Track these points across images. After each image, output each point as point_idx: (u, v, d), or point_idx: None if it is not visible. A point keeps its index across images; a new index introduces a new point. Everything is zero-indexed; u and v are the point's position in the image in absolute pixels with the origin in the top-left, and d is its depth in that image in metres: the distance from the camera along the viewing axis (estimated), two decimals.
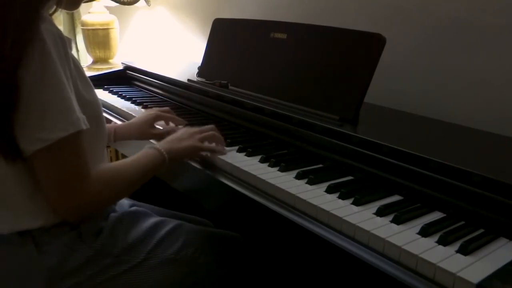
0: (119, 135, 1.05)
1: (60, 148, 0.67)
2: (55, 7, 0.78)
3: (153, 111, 1.11)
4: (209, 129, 0.95)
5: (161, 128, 1.10)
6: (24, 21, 0.63)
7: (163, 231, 0.88)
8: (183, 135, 0.92)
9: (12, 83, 0.62)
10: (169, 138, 0.91)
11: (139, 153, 0.85)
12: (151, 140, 1.06)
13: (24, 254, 0.73)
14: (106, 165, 0.80)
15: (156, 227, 0.88)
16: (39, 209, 0.73)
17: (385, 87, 1.17)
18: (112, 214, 0.85)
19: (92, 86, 0.82)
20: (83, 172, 0.71)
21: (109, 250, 0.79)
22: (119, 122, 1.25)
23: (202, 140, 0.92)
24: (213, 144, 0.94)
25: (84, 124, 0.70)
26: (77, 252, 0.76)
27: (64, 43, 0.69)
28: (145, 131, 1.07)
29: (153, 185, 0.96)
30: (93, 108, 0.79)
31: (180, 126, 1.10)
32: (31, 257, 0.73)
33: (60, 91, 0.66)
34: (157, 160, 0.84)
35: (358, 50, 0.98)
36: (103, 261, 0.78)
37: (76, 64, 0.76)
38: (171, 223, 0.91)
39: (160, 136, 1.06)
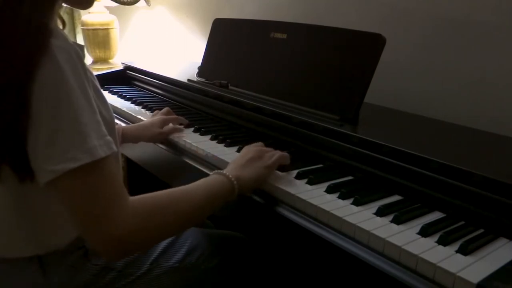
0: (127, 137, 1.05)
1: (77, 178, 0.58)
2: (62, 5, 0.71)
3: (158, 116, 1.13)
4: (271, 150, 0.86)
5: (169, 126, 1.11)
6: (31, 38, 0.57)
7: (167, 239, 0.87)
8: (249, 155, 0.81)
9: (21, 99, 0.56)
10: (236, 162, 0.80)
11: (203, 180, 0.73)
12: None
13: (29, 275, 0.71)
14: (151, 193, 0.66)
15: None
16: (47, 234, 0.71)
17: (385, 87, 1.17)
18: None
19: (108, 103, 0.74)
20: (116, 202, 0.60)
21: (113, 265, 0.78)
22: (119, 122, 1.25)
23: (271, 163, 0.81)
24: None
25: (106, 149, 0.60)
26: (82, 271, 0.75)
27: (81, 59, 0.62)
28: (153, 133, 1.07)
29: (154, 186, 0.96)
30: (110, 127, 0.70)
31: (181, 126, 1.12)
32: (36, 279, 0.71)
33: (73, 114, 0.58)
34: (225, 189, 0.72)
35: (358, 50, 0.98)
36: (107, 276, 0.77)
37: (93, 81, 0.70)
38: None
39: (167, 134, 1.08)
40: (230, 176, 0.74)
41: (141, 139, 1.07)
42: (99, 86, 0.73)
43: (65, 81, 0.58)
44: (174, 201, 0.66)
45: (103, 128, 0.62)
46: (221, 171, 0.75)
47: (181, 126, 1.12)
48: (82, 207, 0.59)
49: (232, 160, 0.83)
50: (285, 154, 0.85)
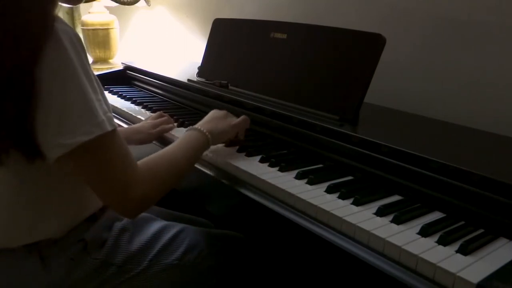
0: None
1: (90, 152, 0.63)
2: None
3: (148, 120, 1.13)
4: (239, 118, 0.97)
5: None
6: (37, 21, 0.60)
7: (167, 237, 0.87)
8: (216, 114, 0.93)
9: (29, 81, 0.59)
10: (206, 119, 0.91)
11: (181, 138, 0.84)
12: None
13: (29, 267, 0.72)
14: (148, 157, 0.76)
15: (159, 233, 0.87)
16: (47, 221, 0.72)
17: (385, 87, 1.17)
18: (117, 223, 0.84)
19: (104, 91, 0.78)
20: (128, 168, 0.67)
21: (113, 260, 0.79)
22: (119, 122, 1.25)
23: (236, 123, 0.93)
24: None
25: (109, 125, 0.65)
26: (82, 265, 0.75)
27: (81, 42, 0.65)
28: (143, 135, 1.07)
29: None
30: None
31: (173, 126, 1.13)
32: (36, 271, 0.72)
33: (79, 92, 0.62)
34: (200, 141, 0.84)
35: (358, 50, 0.98)
36: (107, 271, 0.77)
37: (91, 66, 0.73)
38: (175, 228, 0.90)
39: (157, 135, 1.08)
40: (204, 130, 0.85)
41: (131, 143, 1.07)
42: (94, 74, 0.76)
43: (70, 61, 0.61)
44: (169, 158, 0.77)
45: (105, 106, 0.67)
46: (195, 126, 0.87)
47: (172, 125, 1.12)
48: (100, 177, 0.66)
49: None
50: (247, 118, 0.97)
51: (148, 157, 0.75)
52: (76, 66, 0.62)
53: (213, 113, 0.94)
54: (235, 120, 0.94)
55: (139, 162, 0.71)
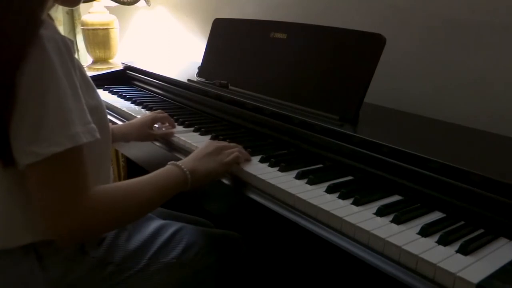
0: (117, 137, 1.05)
1: (55, 164, 0.61)
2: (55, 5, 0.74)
3: (150, 114, 1.12)
4: (234, 146, 0.88)
5: (160, 129, 1.11)
6: (22, 26, 0.59)
7: (165, 235, 0.87)
8: (208, 149, 0.83)
9: (8, 85, 0.59)
10: (194, 154, 0.82)
11: (159, 171, 0.75)
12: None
13: (26, 267, 0.72)
14: (115, 184, 0.72)
15: (158, 231, 0.87)
16: (41, 221, 0.71)
17: (385, 87, 1.17)
18: None
19: (96, 90, 0.77)
20: (81, 191, 0.63)
21: (111, 259, 0.79)
22: (119, 122, 1.25)
23: (229, 160, 0.83)
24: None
25: (89, 136, 0.64)
26: (80, 264, 0.75)
27: (69, 49, 0.65)
28: (143, 132, 1.07)
29: None
30: (98, 114, 0.74)
31: (175, 129, 1.12)
32: (33, 271, 0.72)
33: (59, 101, 0.61)
34: (178, 180, 0.75)
35: (358, 50, 0.98)
36: (105, 270, 0.77)
37: (80, 69, 0.72)
38: (173, 227, 0.90)
39: (157, 137, 1.08)
40: (185, 169, 0.76)
41: (130, 138, 1.08)
42: (85, 72, 0.76)
43: (52, 70, 0.61)
44: (135, 194, 0.70)
45: (88, 116, 0.65)
46: (177, 162, 0.77)
47: (173, 130, 1.10)
48: (55, 191, 0.62)
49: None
50: (244, 153, 0.88)
51: (112, 187, 0.70)
52: (59, 74, 0.61)
53: (206, 147, 0.84)
54: (228, 158, 0.83)
55: (102, 188, 0.67)
